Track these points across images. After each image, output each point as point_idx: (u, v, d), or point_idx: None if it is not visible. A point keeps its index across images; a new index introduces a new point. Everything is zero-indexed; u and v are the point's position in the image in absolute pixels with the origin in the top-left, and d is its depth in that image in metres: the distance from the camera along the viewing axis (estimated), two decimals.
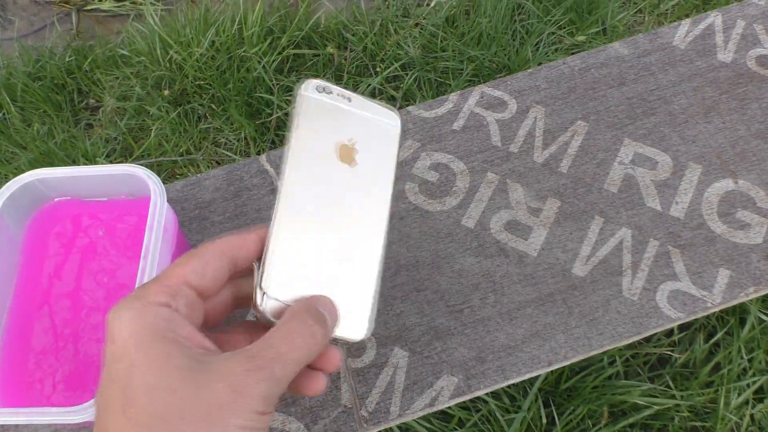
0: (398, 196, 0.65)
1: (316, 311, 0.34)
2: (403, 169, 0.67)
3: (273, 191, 0.67)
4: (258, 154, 1.44)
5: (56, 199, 0.56)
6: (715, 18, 0.73)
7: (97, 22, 2.13)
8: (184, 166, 1.45)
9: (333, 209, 0.40)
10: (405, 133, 0.36)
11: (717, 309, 0.58)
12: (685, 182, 0.63)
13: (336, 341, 0.38)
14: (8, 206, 0.52)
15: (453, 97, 0.71)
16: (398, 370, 0.57)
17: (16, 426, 0.53)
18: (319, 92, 0.41)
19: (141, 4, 2.01)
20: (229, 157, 1.45)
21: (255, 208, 0.66)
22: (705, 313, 0.57)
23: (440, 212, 0.64)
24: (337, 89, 0.42)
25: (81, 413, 0.43)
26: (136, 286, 0.47)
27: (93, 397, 0.44)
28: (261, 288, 0.35)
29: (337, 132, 0.41)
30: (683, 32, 0.72)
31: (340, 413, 0.55)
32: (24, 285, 0.54)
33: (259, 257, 0.36)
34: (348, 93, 0.42)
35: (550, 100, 0.69)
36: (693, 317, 0.57)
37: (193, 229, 0.65)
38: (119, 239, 0.56)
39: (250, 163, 0.69)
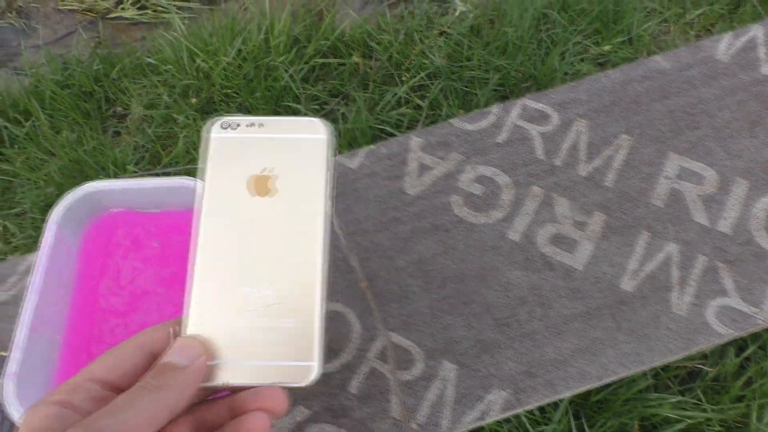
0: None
1: (163, 368, 0.32)
2: (447, 182, 0.67)
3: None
4: None
5: (111, 210, 0.57)
6: (756, 31, 0.73)
7: (119, 30, 2.15)
8: None
9: (254, 249, 0.37)
10: (335, 143, 0.35)
11: None
12: (732, 197, 0.63)
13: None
14: (66, 218, 0.53)
15: (495, 109, 0.71)
16: (447, 383, 0.57)
17: None
18: (225, 129, 0.40)
19: (163, 12, 2.03)
20: None
21: None
22: (755, 330, 0.57)
23: (485, 225, 0.64)
24: (245, 120, 0.39)
25: None
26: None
27: None
28: None
29: (249, 165, 0.39)
30: (725, 46, 0.72)
31: (391, 426, 0.56)
32: (81, 294, 0.55)
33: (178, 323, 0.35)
34: (260, 119, 0.40)
35: (593, 113, 0.69)
36: (743, 333, 0.57)
37: None
38: (175, 250, 0.57)
39: None
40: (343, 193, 0.67)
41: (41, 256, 0.51)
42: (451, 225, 0.65)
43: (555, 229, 0.64)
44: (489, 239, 0.64)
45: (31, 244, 1.39)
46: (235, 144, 0.39)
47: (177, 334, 0.34)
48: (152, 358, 0.33)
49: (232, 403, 0.33)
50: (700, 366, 1.12)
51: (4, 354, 0.60)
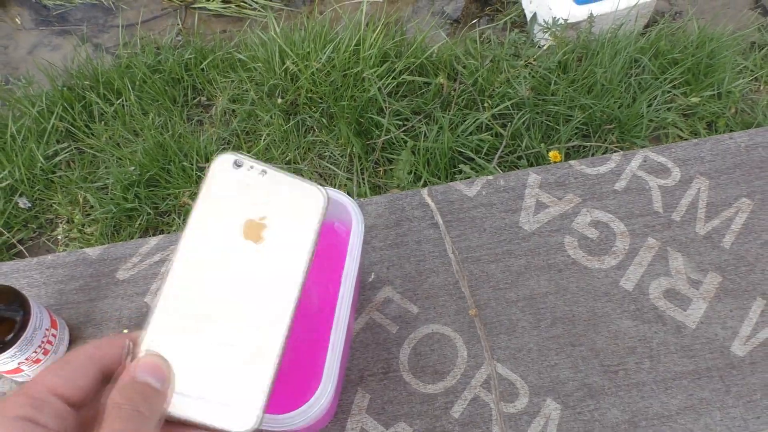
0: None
1: (140, 386, 0.30)
2: (563, 222, 0.68)
3: (433, 225, 0.69)
4: (361, 172, 1.47)
5: None
6: None
7: (201, 20, 2.21)
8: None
9: (227, 288, 0.38)
10: (327, 208, 0.37)
11: None
12: None
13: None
14: None
15: (615, 157, 0.72)
16: (550, 421, 0.58)
17: None
18: (231, 166, 0.40)
19: (246, 8, 2.09)
20: (333, 171, 1.49)
21: (415, 240, 0.68)
22: None
23: (599, 270, 0.65)
24: (250, 162, 0.40)
25: (284, 422, 0.45)
26: (336, 310, 0.49)
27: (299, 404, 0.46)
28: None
29: (246, 207, 0.40)
30: None
31: None
32: None
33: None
34: (264, 166, 0.40)
35: (715, 173, 0.70)
36: None
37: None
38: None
39: (413, 195, 0.71)
40: (460, 219, 0.69)
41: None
42: (565, 266, 0.66)
43: (668, 284, 0.64)
44: (601, 285, 0.64)
45: (109, 220, 1.44)
46: (237, 183, 0.39)
47: (131, 351, 0.32)
48: (103, 373, 0.31)
49: None
50: None
51: (125, 331, 0.63)
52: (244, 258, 0.38)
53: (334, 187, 1.44)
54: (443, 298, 0.64)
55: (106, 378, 0.31)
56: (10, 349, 0.55)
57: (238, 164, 0.39)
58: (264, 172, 0.40)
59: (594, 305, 0.63)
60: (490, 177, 0.72)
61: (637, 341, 0.61)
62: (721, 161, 0.71)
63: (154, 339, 0.34)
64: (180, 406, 0.34)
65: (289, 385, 0.54)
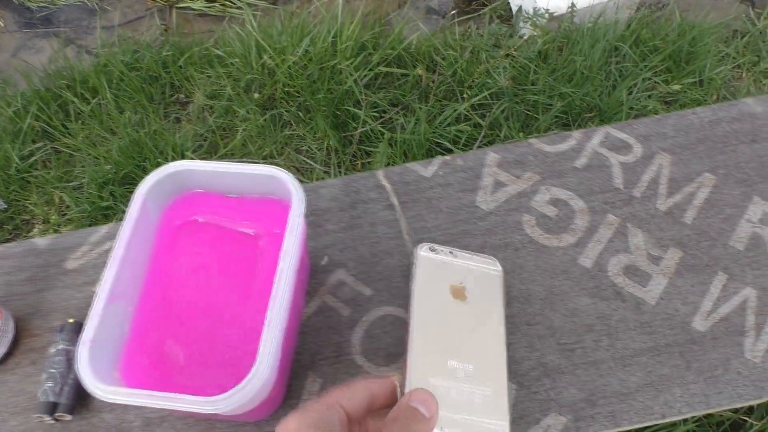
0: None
1: (413, 411, 0.38)
2: (520, 201, 0.67)
3: (389, 207, 0.67)
4: (338, 165, 1.45)
5: (194, 191, 0.58)
6: None
7: (186, 20, 2.20)
8: None
9: (456, 335, 0.52)
10: (505, 277, 0.59)
11: None
12: None
13: None
14: (153, 193, 0.54)
15: (576, 134, 0.70)
16: None
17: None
18: (431, 251, 0.57)
19: (230, 7, 2.07)
20: (310, 165, 1.47)
21: (369, 222, 0.66)
22: None
23: (557, 248, 0.64)
24: (442, 248, 0.58)
25: (218, 404, 0.43)
26: (274, 288, 0.48)
27: (220, 389, 0.45)
28: None
29: (447, 277, 0.56)
30: None
31: None
32: (156, 269, 0.56)
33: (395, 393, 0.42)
34: (451, 249, 0.58)
35: (678, 148, 0.68)
36: None
37: (308, 235, 0.65)
38: (249, 238, 0.57)
39: (369, 177, 0.69)
40: (416, 200, 0.67)
41: (125, 227, 0.52)
42: (521, 245, 0.64)
43: (628, 260, 0.62)
44: (559, 263, 0.63)
45: (85, 218, 1.42)
46: (436, 262, 0.56)
47: (398, 385, 0.41)
48: (371, 403, 0.39)
49: None
50: (745, 418, 1.08)
51: (71, 321, 0.61)
52: (458, 311, 0.54)
53: (311, 181, 1.43)
54: (397, 280, 0.63)
55: (370, 409, 0.39)
56: None
57: (432, 249, 0.57)
58: (452, 252, 0.58)
59: (551, 283, 0.62)
60: (447, 157, 0.70)
61: (595, 319, 0.60)
62: (684, 137, 0.69)
63: (416, 379, 0.47)
64: (450, 424, 0.47)
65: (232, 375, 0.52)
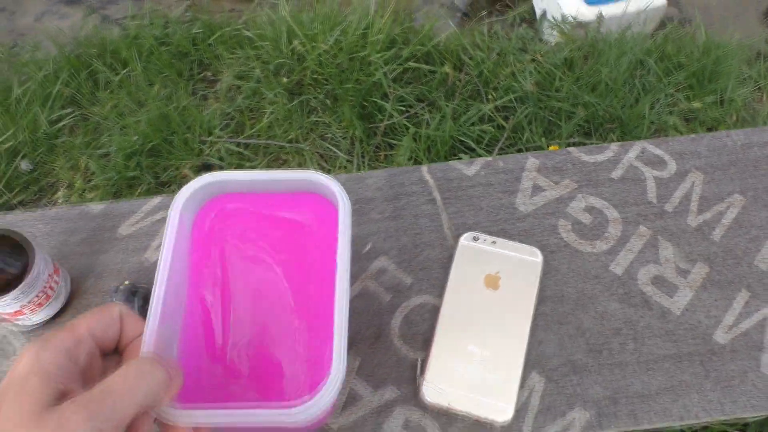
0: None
1: (155, 358, 0.36)
2: (557, 206, 0.70)
3: (431, 201, 0.70)
4: (362, 155, 1.48)
5: (226, 193, 0.55)
6: None
7: None
8: (290, 153, 1.51)
9: (481, 322, 0.59)
10: (546, 265, 0.65)
11: None
12: None
13: (481, 423, 0.55)
14: (188, 205, 0.53)
15: (614, 146, 0.73)
16: (534, 393, 0.60)
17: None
18: (473, 240, 0.63)
19: None
20: (334, 153, 1.50)
21: (413, 213, 0.69)
22: None
23: (590, 254, 0.67)
24: (485, 237, 0.63)
25: (299, 415, 0.42)
26: (336, 288, 0.48)
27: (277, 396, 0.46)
28: (425, 381, 0.56)
29: (484, 265, 0.61)
30: None
31: (473, 423, 0.58)
32: (196, 277, 0.53)
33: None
34: (493, 238, 0.63)
35: (710, 168, 0.71)
36: None
37: (352, 223, 0.68)
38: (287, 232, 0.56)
39: (412, 171, 0.72)
40: (457, 197, 0.70)
41: (167, 243, 0.49)
42: (557, 248, 0.67)
43: (657, 271, 0.66)
44: (592, 268, 0.66)
45: (110, 187, 1.45)
46: (476, 251, 0.63)
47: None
48: (124, 334, 0.38)
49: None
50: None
51: (127, 283, 0.64)
52: (489, 300, 0.60)
53: (335, 168, 1.46)
54: (437, 271, 0.66)
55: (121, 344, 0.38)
56: (13, 291, 0.56)
57: (475, 238, 0.63)
58: (494, 242, 0.63)
59: (583, 287, 0.65)
60: (489, 158, 0.73)
61: (622, 323, 0.63)
62: (716, 157, 0.72)
63: (437, 358, 0.57)
64: (459, 402, 0.55)
65: (292, 380, 0.51)
